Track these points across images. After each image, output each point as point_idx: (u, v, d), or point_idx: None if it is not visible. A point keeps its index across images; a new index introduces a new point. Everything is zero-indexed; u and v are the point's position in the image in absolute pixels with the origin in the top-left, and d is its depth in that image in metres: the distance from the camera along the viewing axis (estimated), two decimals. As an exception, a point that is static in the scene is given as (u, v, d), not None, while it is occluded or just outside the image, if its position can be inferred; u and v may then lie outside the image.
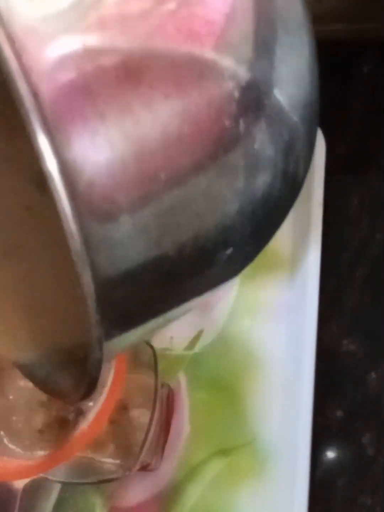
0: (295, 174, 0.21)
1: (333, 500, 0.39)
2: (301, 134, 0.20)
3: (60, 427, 0.30)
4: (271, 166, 0.20)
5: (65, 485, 0.41)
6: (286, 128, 0.20)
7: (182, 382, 0.43)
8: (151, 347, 0.38)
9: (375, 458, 0.39)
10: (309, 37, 0.21)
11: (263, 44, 0.19)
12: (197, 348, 0.43)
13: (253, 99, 0.19)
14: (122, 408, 0.35)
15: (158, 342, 0.43)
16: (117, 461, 0.36)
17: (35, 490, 0.41)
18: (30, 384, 0.30)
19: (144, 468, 0.39)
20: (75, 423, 0.30)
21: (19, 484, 0.40)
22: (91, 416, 0.29)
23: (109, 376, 0.30)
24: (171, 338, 0.44)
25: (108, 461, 0.36)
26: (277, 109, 0.19)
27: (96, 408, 0.29)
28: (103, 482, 0.38)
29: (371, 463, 0.39)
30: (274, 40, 0.19)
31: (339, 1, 0.50)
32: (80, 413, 0.30)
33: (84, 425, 0.29)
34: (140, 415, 0.37)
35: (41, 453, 0.30)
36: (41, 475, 0.36)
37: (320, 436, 0.39)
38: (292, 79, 0.20)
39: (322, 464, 0.39)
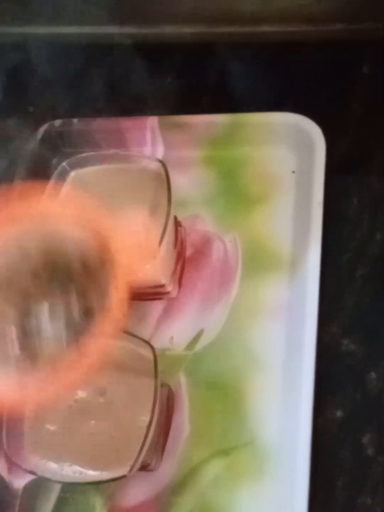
0: None
1: (333, 500, 0.39)
2: None
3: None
4: None
5: (65, 485, 0.41)
6: None
7: (182, 382, 0.43)
8: (151, 347, 0.38)
9: (375, 458, 0.39)
10: None
11: None
12: (197, 348, 0.43)
13: None
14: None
15: (158, 342, 0.43)
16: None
17: (35, 490, 0.41)
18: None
19: (144, 468, 0.39)
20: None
21: (20, 484, 0.40)
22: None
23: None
24: (171, 338, 0.44)
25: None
26: None
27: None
28: (103, 482, 0.38)
29: (371, 463, 0.39)
30: None
31: (339, 1, 0.50)
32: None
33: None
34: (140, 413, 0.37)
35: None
36: (40, 474, 0.36)
37: (320, 436, 0.39)
38: None
39: (322, 463, 0.39)
